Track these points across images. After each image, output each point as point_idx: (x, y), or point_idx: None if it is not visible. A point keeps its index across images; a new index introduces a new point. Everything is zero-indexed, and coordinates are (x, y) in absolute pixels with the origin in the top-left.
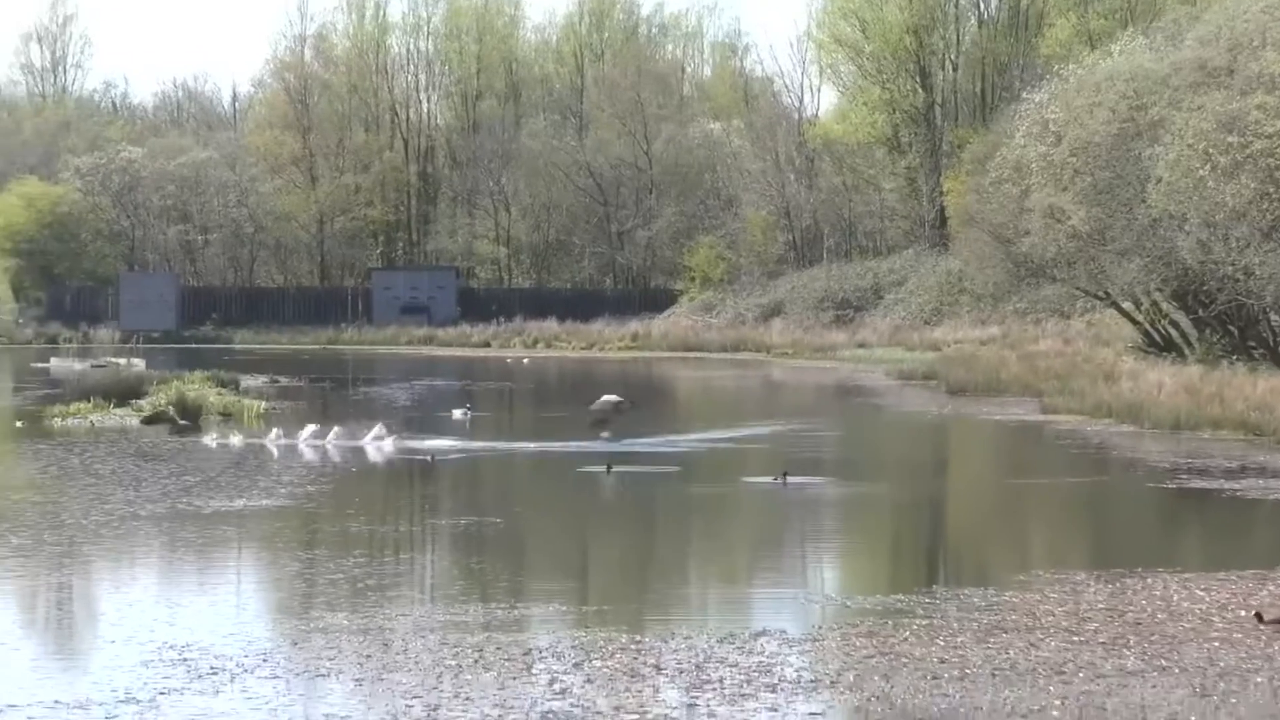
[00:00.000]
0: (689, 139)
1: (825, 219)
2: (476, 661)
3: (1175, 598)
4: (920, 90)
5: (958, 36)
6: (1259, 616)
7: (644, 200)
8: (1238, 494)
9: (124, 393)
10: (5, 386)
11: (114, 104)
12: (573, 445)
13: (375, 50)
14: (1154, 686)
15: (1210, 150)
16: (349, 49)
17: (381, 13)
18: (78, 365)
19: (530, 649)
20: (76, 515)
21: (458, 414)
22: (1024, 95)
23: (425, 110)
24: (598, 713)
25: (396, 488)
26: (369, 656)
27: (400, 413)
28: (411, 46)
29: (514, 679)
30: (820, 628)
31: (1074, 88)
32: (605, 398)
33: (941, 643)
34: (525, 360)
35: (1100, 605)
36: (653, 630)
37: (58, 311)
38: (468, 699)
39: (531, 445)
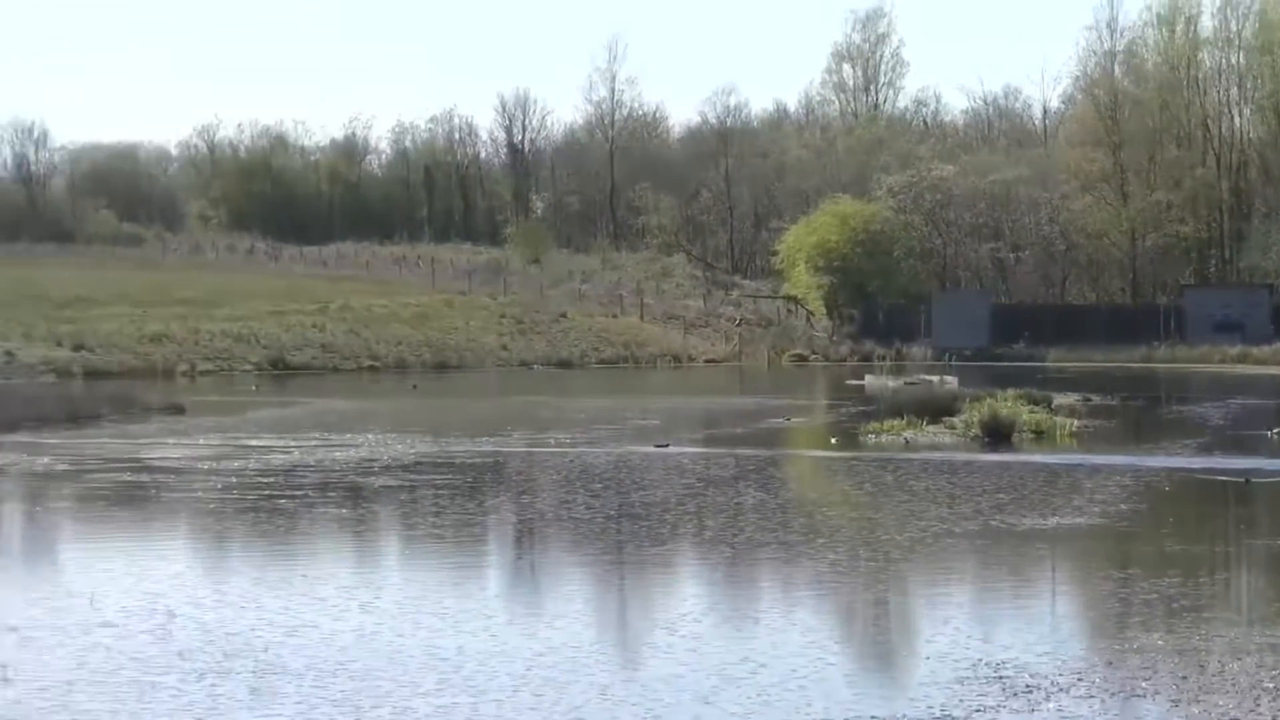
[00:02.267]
0: None
1: None
2: None
3: None
4: None
5: None
6: None
7: None
8: None
9: (936, 410)
10: (820, 403)
11: (925, 122)
12: None
13: (1186, 65)
14: None
15: None
16: (1159, 64)
17: (1192, 28)
18: (891, 382)
19: None
20: (891, 531)
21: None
22: None
23: (1237, 125)
24: None
25: (1211, 508)
26: (1185, 678)
27: (1213, 431)
28: (1223, 60)
29: None
30: None
31: None
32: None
33: None
34: None
35: None
36: None
37: (870, 329)
38: None
39: None
